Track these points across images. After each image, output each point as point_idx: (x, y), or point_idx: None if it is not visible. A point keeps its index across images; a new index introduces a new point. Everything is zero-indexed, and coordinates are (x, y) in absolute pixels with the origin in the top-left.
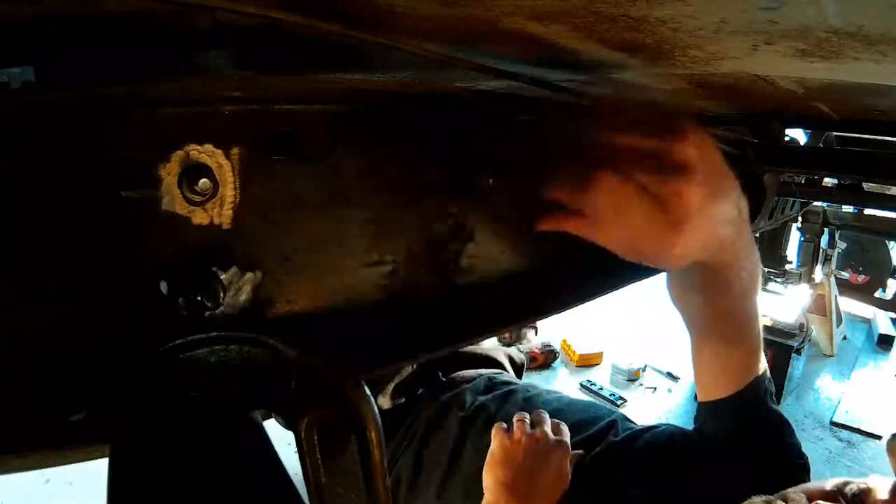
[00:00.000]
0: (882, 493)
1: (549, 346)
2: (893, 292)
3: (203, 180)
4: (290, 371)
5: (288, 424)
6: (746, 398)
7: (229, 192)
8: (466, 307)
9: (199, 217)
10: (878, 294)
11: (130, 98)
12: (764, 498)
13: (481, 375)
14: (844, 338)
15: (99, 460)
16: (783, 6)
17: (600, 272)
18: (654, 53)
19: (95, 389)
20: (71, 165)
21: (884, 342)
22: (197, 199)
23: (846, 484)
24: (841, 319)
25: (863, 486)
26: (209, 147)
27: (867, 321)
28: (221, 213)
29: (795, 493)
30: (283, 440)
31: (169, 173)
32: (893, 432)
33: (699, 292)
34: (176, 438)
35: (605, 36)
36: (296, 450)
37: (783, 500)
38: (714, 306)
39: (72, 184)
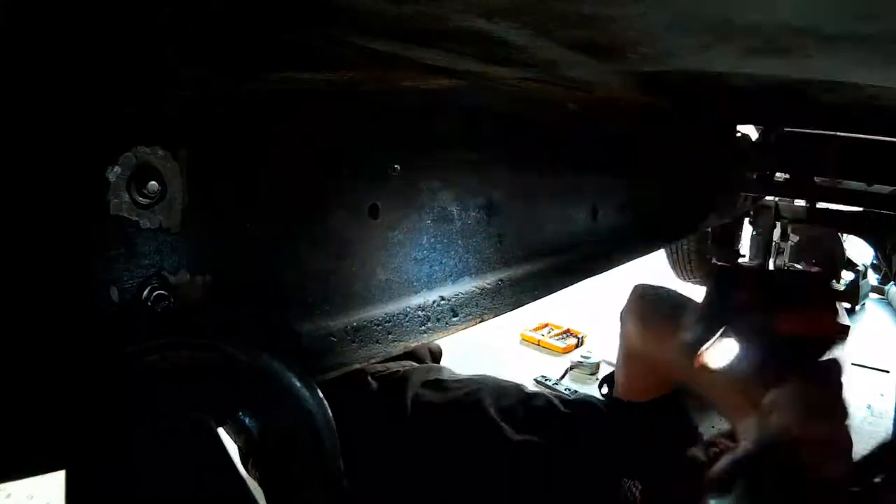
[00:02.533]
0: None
1: None
2: (846, 283)
3: (151, 182)
4: (242, 374)
5: (239, 426)
6: (664, 405)
7: (178, 194)
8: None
9: (149, 220)
10: (832, 285)
11: (77, 96)
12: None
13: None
14: None
15: (58, 473)
16: (735, 5)
17: None
18: (605, 51)
19: (48, 400)
20: (16, 168)
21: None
22: (146, 201)
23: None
24: None
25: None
26: (157, 149)
27: None
28: (170, 216)
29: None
30: None
31: (117, 176)
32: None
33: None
34: (129, 448)
35: (556, 33)
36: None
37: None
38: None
39: (17, 187)
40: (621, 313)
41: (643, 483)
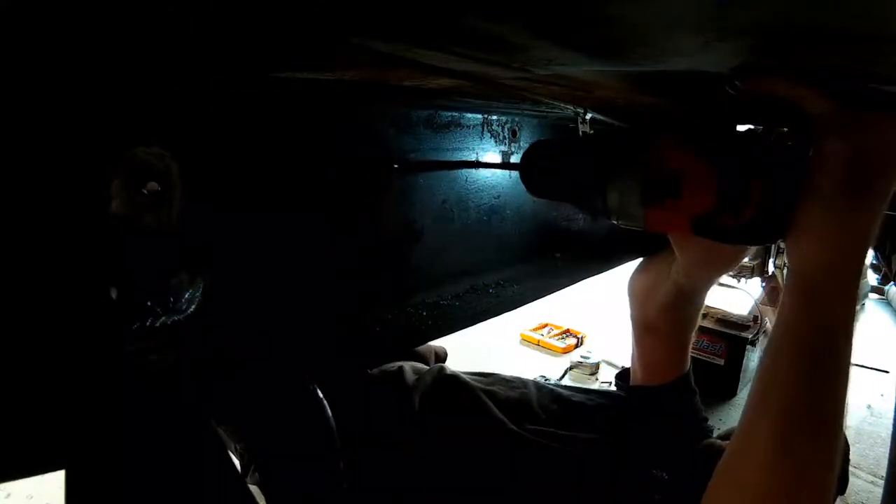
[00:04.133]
0: None
1: None
2: None
3: (151, 183)
4: (241, 375)
5: (241, 428)
6: (678, 387)
7: (177, 194)
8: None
9: (148, 220)
10: None
11: (77, 97)
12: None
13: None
14: None
15: (58, 472)
16: (734, 2)
17: None
18: (605, 50)
19: (49, 399)
20: (18, 169)
21: None
22: (145, 201)
23: None
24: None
25: None
26: (157, 149)
27: None
28: (170, 215)
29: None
30: None
31: (117, 176)
32: None
33: (676, 296)
34: (129, 447)
35: (555, 33)
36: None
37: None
38: (682, 310)
39: (19, 187)
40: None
41: (669, 472)
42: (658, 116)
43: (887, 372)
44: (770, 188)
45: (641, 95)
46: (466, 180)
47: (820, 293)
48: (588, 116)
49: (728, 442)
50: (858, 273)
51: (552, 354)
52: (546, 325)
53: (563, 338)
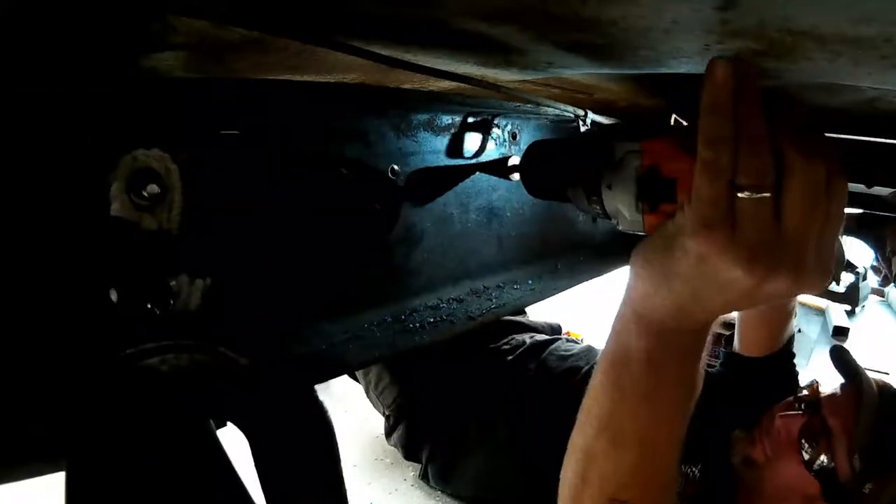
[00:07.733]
0: (825, 387)
1: None
2: (846, 285)
3: (151, 185)
4: (242, 378)
5: (241, 429)
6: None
7: (177, 196)
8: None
9: (148, 222)
10: (831, 287)
11: (77, 100)
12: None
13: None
14: (799, 330)
15: (56, 474)
16: (735, 6)
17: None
18: (605, 54)
19: (48, 401)
20: (18, 171)
21: (839, 333)
22: (145, 204)
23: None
24: (795, 312)
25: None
26: (157, 151)
27: (822, 313)
28: (170, 217)
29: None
30: None
31: (117, 178)
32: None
33: None
34: (129, 450)
35: (556, 36)
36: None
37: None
38: None
39: (19, 189)
40: None
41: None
42: (655, 117)
43: (887, 374)
44: None
45: (642, 98)
46: (467, 183)
47: None
48: (589, 118)
49: None
50: None
51: None
52: None
53: None
